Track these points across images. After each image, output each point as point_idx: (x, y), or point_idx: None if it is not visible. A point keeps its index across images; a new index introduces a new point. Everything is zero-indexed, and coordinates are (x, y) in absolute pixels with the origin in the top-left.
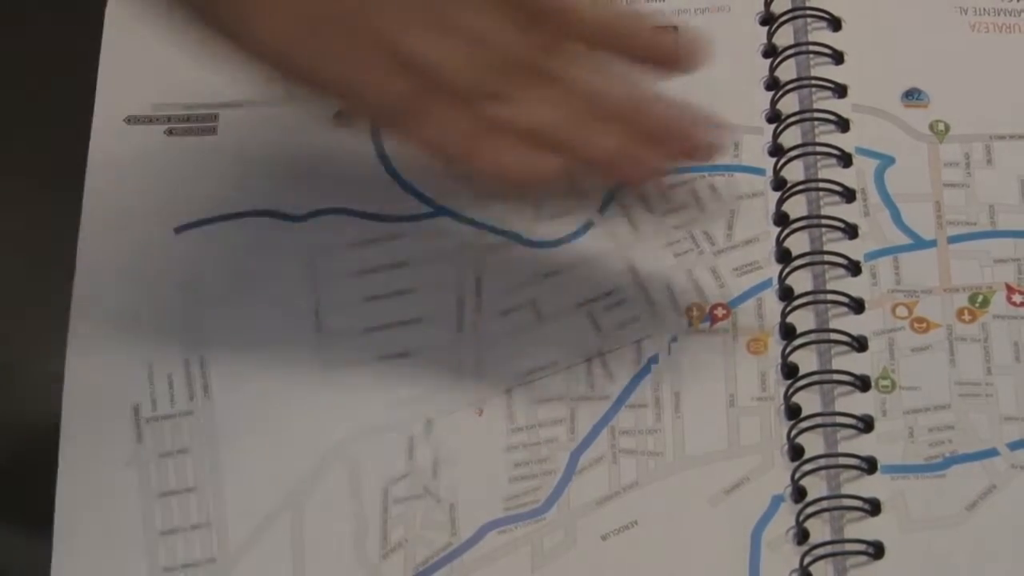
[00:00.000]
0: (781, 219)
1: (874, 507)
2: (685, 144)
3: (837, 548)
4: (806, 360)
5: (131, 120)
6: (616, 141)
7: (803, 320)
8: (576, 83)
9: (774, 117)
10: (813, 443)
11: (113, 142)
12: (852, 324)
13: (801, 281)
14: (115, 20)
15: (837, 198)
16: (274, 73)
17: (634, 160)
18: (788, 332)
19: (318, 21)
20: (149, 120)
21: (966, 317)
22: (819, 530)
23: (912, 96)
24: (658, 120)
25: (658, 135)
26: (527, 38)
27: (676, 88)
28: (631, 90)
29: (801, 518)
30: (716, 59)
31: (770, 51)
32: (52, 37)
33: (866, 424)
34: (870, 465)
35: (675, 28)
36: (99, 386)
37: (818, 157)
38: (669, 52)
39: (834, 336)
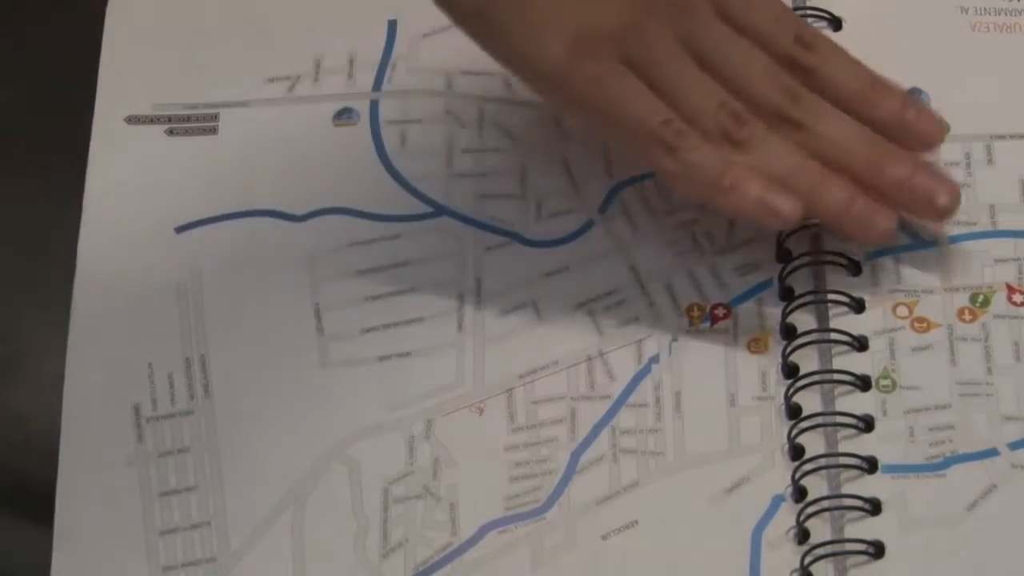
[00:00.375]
0: None
1: (874, 507)
2: (920, 207)
3: (837, 548)
4: (807, 360)
5: (131, 120)
6: (846, 196)
7: (804, 320)
8: (820, 131)
9: None
10: (814, 443)
11: (113, 142)
12: (853, 324)
13: (801, 281)
14: (115, 20)
15: None
16: (552, 97)
17: (861, 221)
18: (789, 332)
19: (596, 43)
20: (150, 120)
21: (967, 317)
22: (819, 530)
23: (913, 95)
24: (897, 181)
25: (893, 195)
26: (780, 81)
27: None
28: (874, 144)
29: (801, 518)
30: None
31: None
32: (52, 37)
33: (867, 424)
34: (871, 465)
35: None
36: (99, 385)
37: None
38: (911, 129)
39: (835, 336)
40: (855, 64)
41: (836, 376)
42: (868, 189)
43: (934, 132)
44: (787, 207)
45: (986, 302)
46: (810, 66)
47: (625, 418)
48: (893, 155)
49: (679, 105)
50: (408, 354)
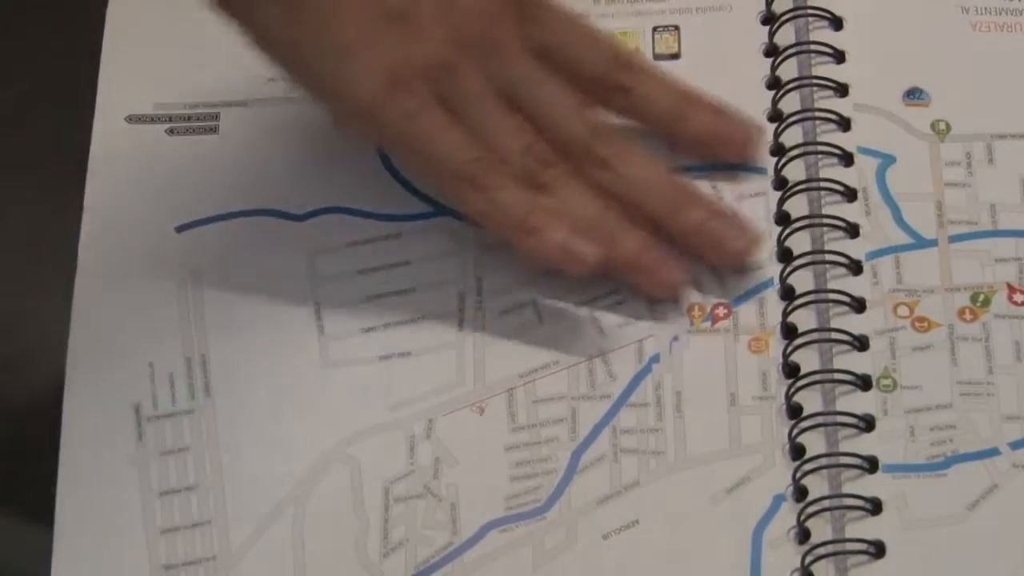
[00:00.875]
0: (782, 218)
1: (875, 506)
2: (713, 251)
3: (838, 547)
4: (807, 359)
5: (132, 119)
6: (639, 246)
7: (804, 319)
8: (623, 172)
9: (775, 116)
10: (814, 442)
11: (114, 142)
12: (853, 323)
13: (802, 280)
14: (116, 19)
15: (838, 197)
16: (366, 132)
17: (650, 272)
18: (789, 331)
19: (409, 79)
20: (150, 119)
21: (967, 316)
22: (820, 529)
23: (913, 95)
24: (691, 224)
25: (689, 240)
26: (587, 120)
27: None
28: (674, 188)
29: (802, 517)
30: (717, 58)
31: (771, 50)
32: (53, 36)
33: (867, 423)
34: (871, 464)
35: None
36: (100, 385)
37: (819, 156)
38: (722, 137)
39: (835, 335)
40: (670, 83)
41: (837, 376)
42: (670, 233)
43: (749, 140)
44: (588, 253)
45: (987, 302)
46: (626, 86)
47: (626, 418)
48: (692, 199)
49: (489, 145)
50: (409, 353)
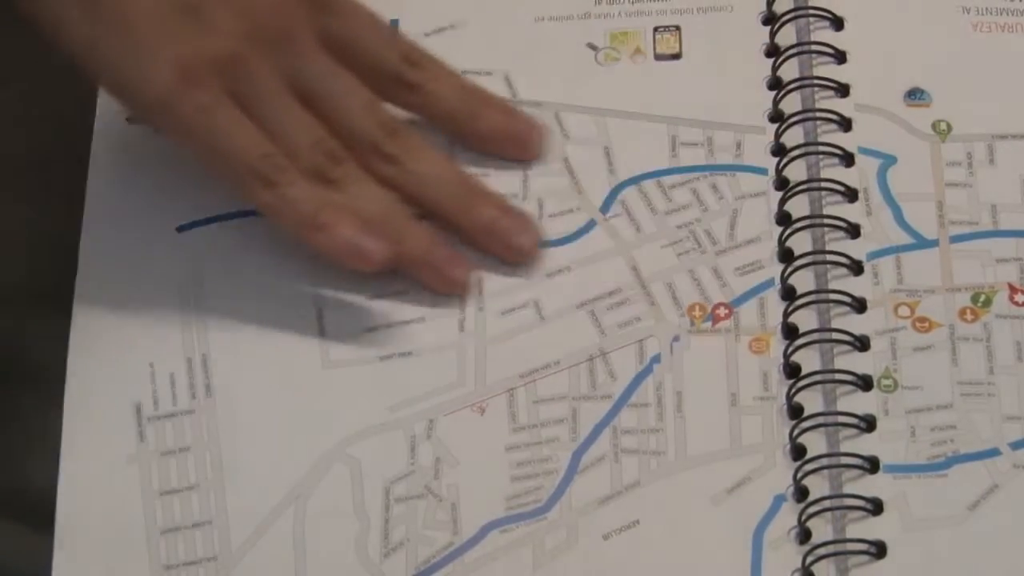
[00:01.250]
0: (783, 219)
1: (876, 507)
2: (500, 248)
3: (839, 548)
4: (808, 360)
5: (133, 119)
6: (426, 244)
7: (805, 320)
8: (413, 168)
9: (776, 117)
10: (815, 443)
11: (114, 142)
12: (854, 324)
13: (803, 281)
14: None
15: (839, 198)
16: (162, 126)
17: (437, 271)
18: (790, 332)
19: (201, 72)
20: None
21: (968, 317)
22: (821, 530)
23: (914, 96)
24: (482, 222)
25: (478, 237)
26: (378, 116)
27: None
28: (464, 184)
29: (803, 518)
30: (718, 59)
31: (772, 51)
32: None
33: (868, 424)
34: (872, 465)
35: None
36: (100, 384)
37: (820, 157)
38: (511, 136)
39: (836, 336)
40: (461, 80)
41: (838, 376)
42: (460, 230)
43: (537, 139)
44: (375, 250)
45: (988, 302)
46: (416, 82)
47: (626, 418)
48: (481, 196)
49: (278, 140)
50: (409, 354)
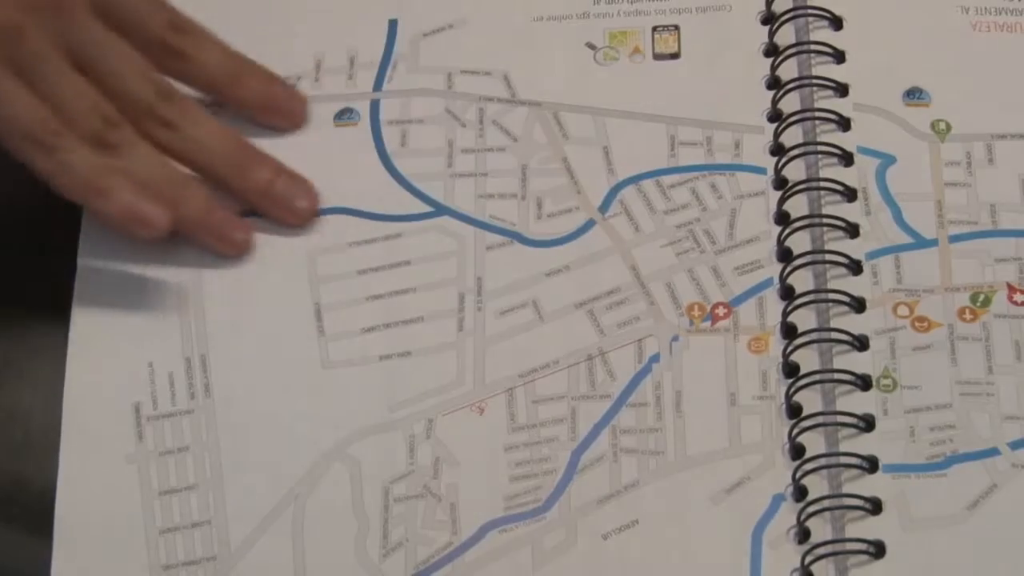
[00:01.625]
0: (782, 218)
1: (875, 506)
2: (280, 211)
3: (838, 547)
4: (807, 359)
5: None
6: (204, 206)
7: (804, 319)
8: (189, 133)
9: (775, 116)
10: (814, 442)
11: None
12: (853, 323)
13: (802, 280)
14: None
15: (838, 197)
16: None
17: (217, 232)
18: (789, 331)
19: None
20: None
21: (967, 316)
22: (820, 529)
23: (913, 95)
24: (258, 184)
25: (256, 200)
26: (153, 81)
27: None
28: (240, 148)
29: (802, 517)
30: (717, 58)
31: (771, 50)
32: None
33: (867, 423)
34: (871, 464)
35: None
36: (100, 384)
37: (819, 156)
38: (273, 103)
39: (835, 335)
40: (225, 49)
41: (837, 375)
42: (237, 193)
43: (299, 108)
44: (155, 216)
45: (987, 302)
46: (182, 50)
47: (625, 417)
48: (257, 160)
49: (56, 107)
50: (408, 353)
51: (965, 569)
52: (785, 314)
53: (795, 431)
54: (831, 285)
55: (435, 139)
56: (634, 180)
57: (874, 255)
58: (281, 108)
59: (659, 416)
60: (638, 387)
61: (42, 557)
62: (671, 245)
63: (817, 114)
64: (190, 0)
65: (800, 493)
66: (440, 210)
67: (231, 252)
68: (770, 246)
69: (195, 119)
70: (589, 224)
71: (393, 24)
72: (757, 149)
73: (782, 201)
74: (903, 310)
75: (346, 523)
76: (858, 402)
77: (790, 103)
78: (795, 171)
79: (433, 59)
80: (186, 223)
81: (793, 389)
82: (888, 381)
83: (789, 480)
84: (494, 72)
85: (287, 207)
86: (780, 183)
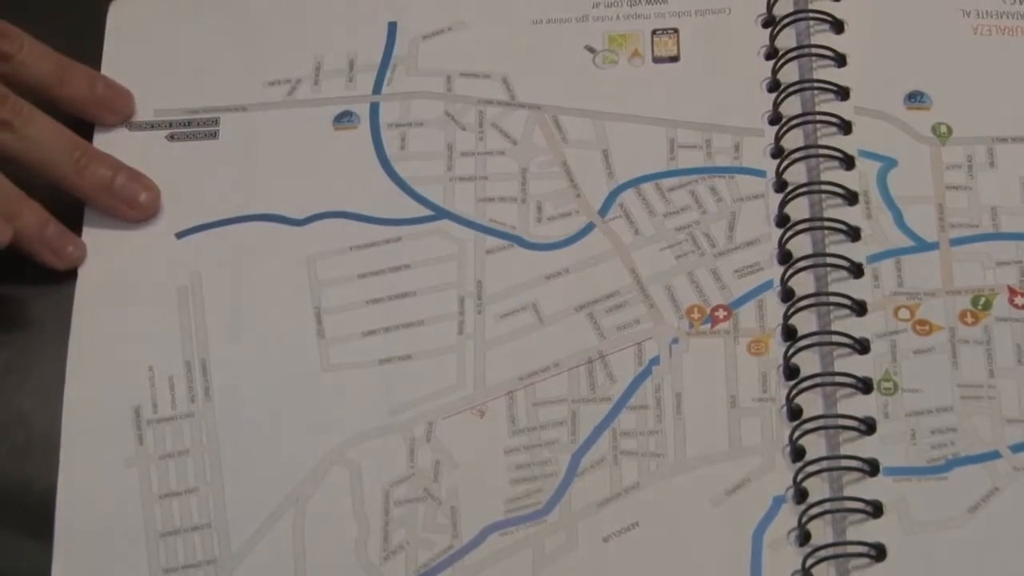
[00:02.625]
0: (783, 221)
1: (876, 509)
2: (121, 206)
3: (839, 550)
4: (808, 362)
5: (132, 126)
6: (37, 221)
7: (805, 322)
8: (26, 133)
9: (776, 119)
10: (815, 445)
11: (115, 147)
12: (854, 326)
13: (803, 283)
14: (116, 26)
15: (839, 200)
16: None
17: (51, 246)
18: (790, 334)
19: None
20: (151, 126)
21: (968, 319)
22: (821, 532)
23: (914, 99)
24: (99, 182)
25: (96, 196)
26: None
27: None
28: (76, 147)
29: (803, 519)
30: (716, 61)
31: (772, 53)
32: (53, 43)
33: (868, 426)
34: (872, 467)
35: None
36: (100, 388)
37: (820, 159)
38: (94, 102)
39: (836, 338)
40: (48, 51)
41: (837, 378)
42: (78, 192)
43: (123, 103)
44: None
45: (988, 305)
46: (5, 52)
47: (626, 420)
48: (96, 157)
49: None
50: (409, 357)
51: (966, 572)
52: (786, 317)
53: (796, 433)
54: (832, 288)
55: (435, 142)
56: (634, 183)
57: (875, 258)
58: (107, 104)
59: (659, 418)
60: (638, 390)
61: (43, 560)
62: (671, 248)
63: (818, 117)
64: (189, 4)
65: (801, 495)
66: (440, 213)
67: (63, 266)
68: (769, 249)
69: (31, 119)
70: (589, 227)
71: (392, 27)
72: (756, 152)
73: (783, 204)
74: (904, 313)
75: (346, 526)
76: (859, 405)
77: (791, 106)
78: (796, 174)
79: (432, 62)
80: (21, 237)
81: (794, 392)
82: (889, 384)
83: (789, 482)
84: (493, 75)
85: (129, 202)
86: (781, 186)
